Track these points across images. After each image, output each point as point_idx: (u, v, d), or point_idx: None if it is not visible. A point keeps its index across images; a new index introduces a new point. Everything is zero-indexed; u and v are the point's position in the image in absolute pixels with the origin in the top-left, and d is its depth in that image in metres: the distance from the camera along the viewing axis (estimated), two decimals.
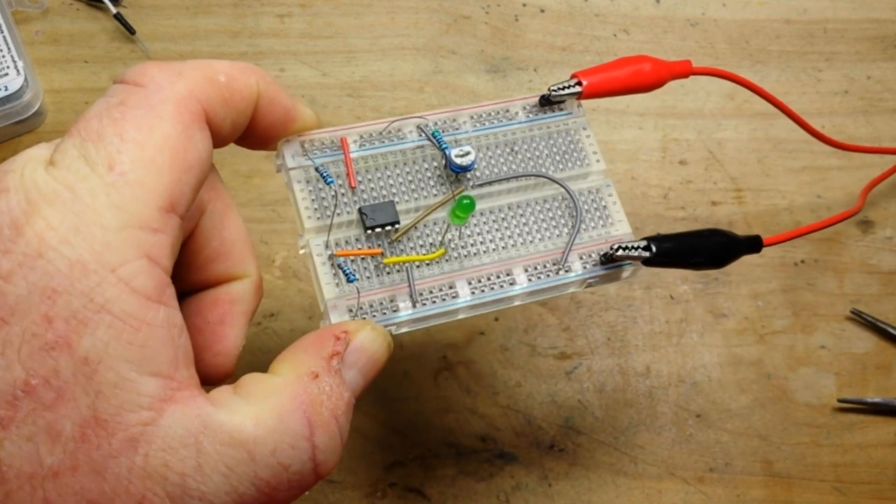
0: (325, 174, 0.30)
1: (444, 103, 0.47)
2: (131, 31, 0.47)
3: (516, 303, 0.32)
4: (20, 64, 0.43)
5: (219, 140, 0.26)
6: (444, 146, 0.31)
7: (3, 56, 0.44)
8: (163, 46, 0.47)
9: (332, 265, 0.29)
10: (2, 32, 0.44)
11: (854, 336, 0.45)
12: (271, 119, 0.28)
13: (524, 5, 0.50)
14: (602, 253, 0.32)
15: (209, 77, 0.25)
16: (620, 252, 0.31)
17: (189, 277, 0.28)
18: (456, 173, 0.31)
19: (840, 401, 0.44)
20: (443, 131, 0.32)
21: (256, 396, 0.24)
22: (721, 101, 0.49)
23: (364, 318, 0.29)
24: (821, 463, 0.43)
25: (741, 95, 0.49)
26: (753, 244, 0.33)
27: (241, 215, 0.29)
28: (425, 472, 0.41)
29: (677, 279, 0.45)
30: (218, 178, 0.28)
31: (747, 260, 0.46)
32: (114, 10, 0.47)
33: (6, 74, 0.43)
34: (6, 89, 0.43)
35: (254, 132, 0.28)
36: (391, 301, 0.29)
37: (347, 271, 0.29)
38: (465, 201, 0.29)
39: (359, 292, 0.29)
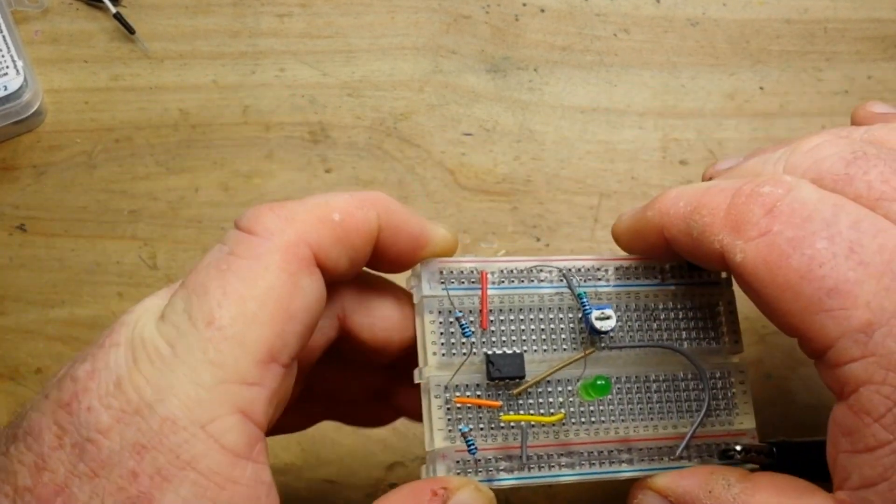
0: (464, 325, 0.28)
1: (443, 103, 0.47)
2: (131, 30, 0.47)
3: (621, 480, 0.30)
4: (19, 63, 0.43)
5: (338, 276, 0.26)
6: (586, 309, 0.29)
7: (3, 56, 0.43)
8: (162, 46, 0.47)
9: (448, 412, 0.28)
10: (1, 32, 0.44)
11: None
12: (398, 249, 0.27)
13: (524, 5, 0.50)
14: (721, 449, 0.30)
15: (322, 218, 0.25)
16: (740, 456, 0.29)
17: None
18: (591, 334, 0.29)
19: None
20: (584, 280, 0.30)
21: None
22: (721, 100, 0.49)
23: (468, 475, 0.27)
24: None
25: (742, 95, 0.49)
26: None
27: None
28: None
29: None
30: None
31: None
32: (113, 9, 0.47)
33: (5, 74, 0.43)
34: (5, 89, 0.43)
35: (380, 261, 0.28)
36: (498, 460, 0.28)
37: (471, 442, 0.27)
38: (599, 382, 0.28)
39: (476, 464, 0.27)
